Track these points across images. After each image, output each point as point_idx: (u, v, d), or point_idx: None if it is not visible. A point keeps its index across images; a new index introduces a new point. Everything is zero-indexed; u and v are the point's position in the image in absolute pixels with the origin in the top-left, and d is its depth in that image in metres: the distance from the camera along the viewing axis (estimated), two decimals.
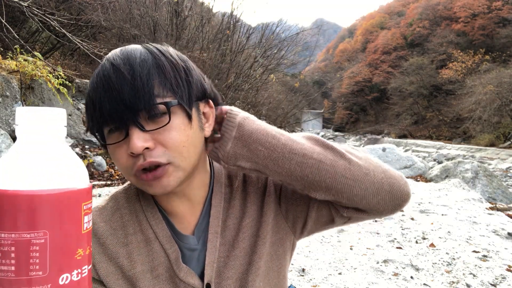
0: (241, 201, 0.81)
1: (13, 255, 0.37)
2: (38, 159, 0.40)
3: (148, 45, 0.69)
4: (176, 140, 0.64)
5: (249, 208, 0.80)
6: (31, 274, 0.37)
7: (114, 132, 0.65)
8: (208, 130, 0.73)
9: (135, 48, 0.67)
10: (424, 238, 3.67)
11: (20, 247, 0.37)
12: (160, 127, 0.63)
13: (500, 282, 2.74)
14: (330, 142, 0.72)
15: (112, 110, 0.62)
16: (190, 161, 0.68)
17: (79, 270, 0.41)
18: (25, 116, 0.41)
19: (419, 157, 13.24)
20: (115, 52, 0.67)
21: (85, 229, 0.42)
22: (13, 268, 0.37)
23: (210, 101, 0.75)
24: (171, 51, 0.70)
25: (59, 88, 5.75)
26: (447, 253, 3.29)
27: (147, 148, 0.62)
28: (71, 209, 0.40)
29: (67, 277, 0.39)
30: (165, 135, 0.63)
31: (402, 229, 3.95)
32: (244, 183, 0.83)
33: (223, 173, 0.82)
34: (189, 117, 0.67)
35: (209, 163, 0.83)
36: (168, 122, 0.63)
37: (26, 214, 0.37)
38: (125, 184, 0.84)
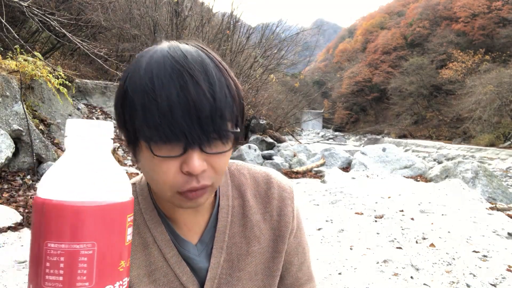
0: (253, 222, 0.80)
1: (61, 265, 0.37)
2: (89, 170, 0.41)
3: (214, 58, 0.64)
4: (224, 166, 0.66)
5: (262, 234, 0.80)
6: (78, 284, 0.38)
7: (165, 143, 0.58)
8: None
9: (206, 60, 0.61)
10: (424, 238, 3.67)
11: (69, 257, 0.37)
12: (219, 152, 0.63)
13: (500, 282, 2.74)
14: None
15: (184, 125, 0.56)
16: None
17: (121, 282, 0.41)
18: (75, 128, 0.42)
19: (419, 157, 13.25)
20: (184, 56, 0.60)
21: (127, 241, 0.42)
22: (61, 278, 0.37)
23: None
24: (232, 74, 0.68)
25: (59, 88, 5.75)
26: (447, 253, 3.29)
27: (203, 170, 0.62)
28: (117, 221, 0.41)
29: None
30: (220, 160, 0.64)
31: (402, 229, 3.95)
32: (259, 206, 0.82)
33: (229, 185, 0.81)
34: (236, 144, 0.69)
35: None
36: (229, 149, 0.64)
37: (76, 225, 0.38)
38: None
